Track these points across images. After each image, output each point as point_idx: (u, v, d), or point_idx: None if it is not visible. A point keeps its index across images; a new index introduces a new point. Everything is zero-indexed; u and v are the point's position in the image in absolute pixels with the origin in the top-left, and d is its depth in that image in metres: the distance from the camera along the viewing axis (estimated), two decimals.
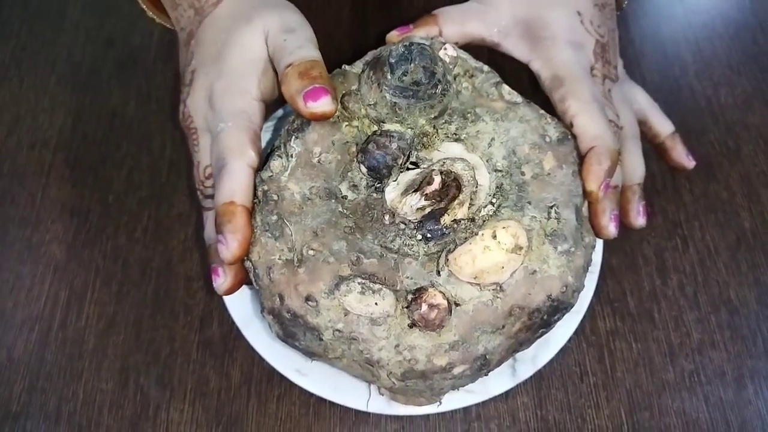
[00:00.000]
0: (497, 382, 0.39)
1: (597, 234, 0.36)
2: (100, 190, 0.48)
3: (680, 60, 0.53)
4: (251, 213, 0.34)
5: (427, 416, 0.40)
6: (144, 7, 0.45)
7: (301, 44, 0.35)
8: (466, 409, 0.40)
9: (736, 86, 0.51)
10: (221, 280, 0.35)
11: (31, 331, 0.43)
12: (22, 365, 0.42)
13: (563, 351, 0.41)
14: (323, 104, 0.34)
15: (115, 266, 0.45)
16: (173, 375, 0.42)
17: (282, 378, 0.40)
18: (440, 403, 0.37)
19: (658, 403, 0.41)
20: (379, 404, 0.39)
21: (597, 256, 0.43)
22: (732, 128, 0.50)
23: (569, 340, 0.41)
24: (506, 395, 0.41)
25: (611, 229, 0.36)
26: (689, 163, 0.42)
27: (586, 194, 0.35)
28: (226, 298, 0.41)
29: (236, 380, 0.42)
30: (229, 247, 0.33)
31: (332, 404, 0.40)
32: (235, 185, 0.34)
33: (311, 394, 0.40)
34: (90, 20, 0.56)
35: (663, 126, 0.43)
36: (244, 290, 0.41)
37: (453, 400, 0.38)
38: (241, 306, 0.41)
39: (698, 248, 0.45)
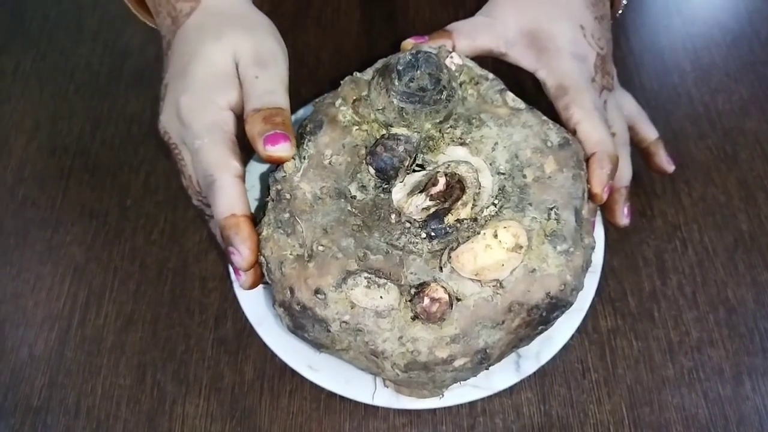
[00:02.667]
0: (502, 378, 0.40)
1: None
2: (118, 193, 0.50)
3: (679, 68, 0.55)
4: (253, 218, 0.36)
5: (434, 411, 0.41)
6: (133, 9, 0.45)
7: (271, 88, 0.36)
8: (471, 404, 0.42)
9: (734, 93, 0.53)
10: (243, 278, 0.37)
11: (51, 329, 0.45)
12: (42, 362, 0.44)
13: (566, 348, 0.43)
14: (281, 149, 0.35)
15: (132, 267, 0.47)
16: (189, 371, 0.43)
17: (293, 374, 0.42)
18: (442, 395, 0.39)
19: (658, 398, 0.42)
20: (385, 398, 0.40)
21: (598, 257, 0.44)
22: (729, 134, 0.51)
23: (572, 338, 0.42)
24: (510, 391, 0.42)
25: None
26: (669, 167, 0.45)
27: (591, 196, 0.38)
28: (240, 298, 0.43)
29: (249, 376, 0.43)
30: (243, 255, 0.35)
31: (342, 399, 0.42)
32: (230, 199, 0.35)
33: (322, 390, 0.42)
34: (107, 32, 0.58)
35: (649, 132, 0.45)
36: (258, 289, 0.43)
37: (458, 395, 0.40)
38: (254, 304, 0.43)
39: (697, 250, 0.47)
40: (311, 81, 0.54)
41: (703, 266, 0.46)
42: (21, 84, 0.55)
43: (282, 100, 0.36)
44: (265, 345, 0.42)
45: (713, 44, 0.56)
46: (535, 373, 0.41)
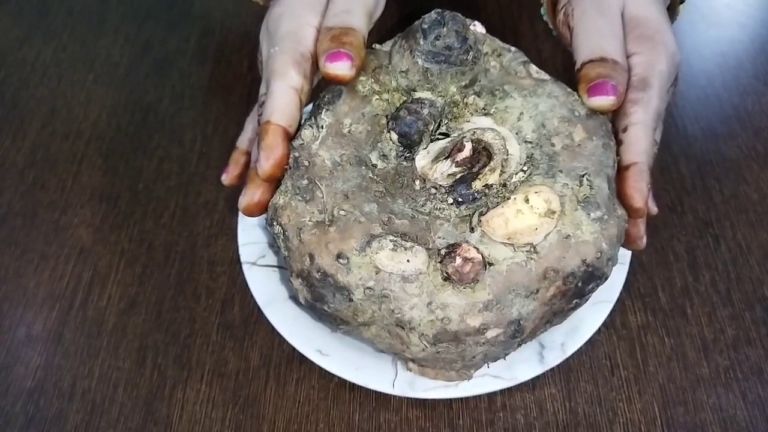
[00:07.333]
0: (524, 368, 0.38)
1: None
2: (130, 178, 0.49)
3: (706, 71, 0.54)
4: (290, 134, 0.35)
5: (450, 404, 0.39)
6: None
7: (348, 8, 0.36)
8: (491, 398, 0.39)
9: (763, 95, 0.52)
10: (247, 195, 0.36)
11: (52, 310, 0.43)
12: (40, 342, 0.42)
13: (593, 343, 0.40)
14: (339, 67, 0.34)
15: (140, 249, 0.45)
16: (192, 355, 0.41)
17: (301, 361, 0.39)
18: (471, 377, 0.36)
19: (692, 398, 0.39)
20: (401, 386, 0.37)
21: (625, 249, 0.42)
22: (760, 133, 0.50)
23: (599, 333, 0.40)
24: (533, 386, 0.39)
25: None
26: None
27: (630, 211, 0.35)
28: (249, 278, 0.41)
29: (255, 362, 0.40)
30: (261, 163, 0.34)
31: (352, 388, 0.39)
32: (273, 106, 0.34)
33: (331, 378, 0.39)
34: (129, 26, 0.58)
35: None
36: (268, 272, 0.41)
37: (478, 384, 0.37)
38: (263, 285, 0.41)
39: (730, 246, 0.44)
40: None
41: (737, 263, 0.44)
42: (40, 73, 0.55)
43: (357, 21, 0.35)
44: (272, 331, 0.40)
45: (741, 47, 0.55)
46: (559, 367, 0.39)
